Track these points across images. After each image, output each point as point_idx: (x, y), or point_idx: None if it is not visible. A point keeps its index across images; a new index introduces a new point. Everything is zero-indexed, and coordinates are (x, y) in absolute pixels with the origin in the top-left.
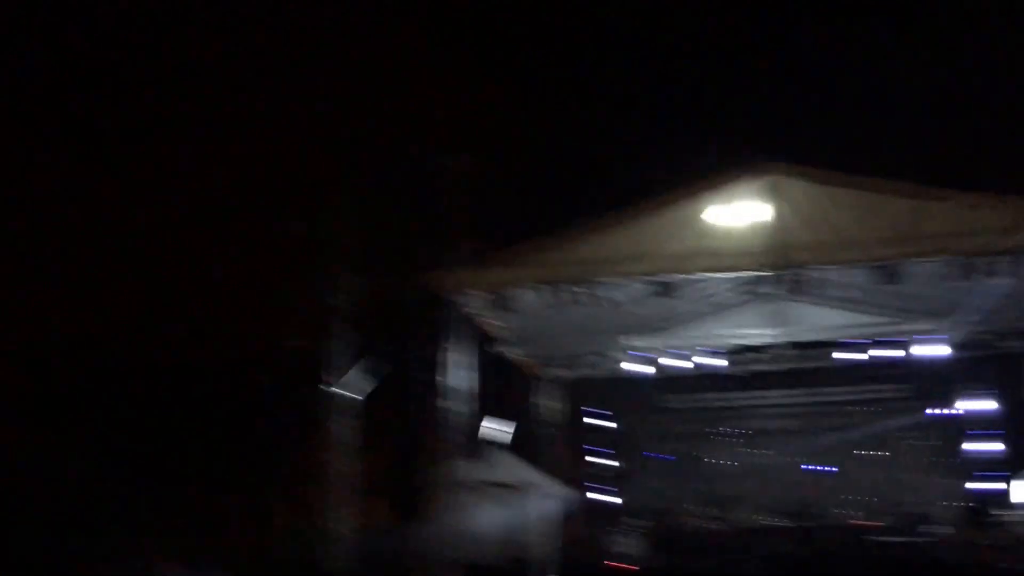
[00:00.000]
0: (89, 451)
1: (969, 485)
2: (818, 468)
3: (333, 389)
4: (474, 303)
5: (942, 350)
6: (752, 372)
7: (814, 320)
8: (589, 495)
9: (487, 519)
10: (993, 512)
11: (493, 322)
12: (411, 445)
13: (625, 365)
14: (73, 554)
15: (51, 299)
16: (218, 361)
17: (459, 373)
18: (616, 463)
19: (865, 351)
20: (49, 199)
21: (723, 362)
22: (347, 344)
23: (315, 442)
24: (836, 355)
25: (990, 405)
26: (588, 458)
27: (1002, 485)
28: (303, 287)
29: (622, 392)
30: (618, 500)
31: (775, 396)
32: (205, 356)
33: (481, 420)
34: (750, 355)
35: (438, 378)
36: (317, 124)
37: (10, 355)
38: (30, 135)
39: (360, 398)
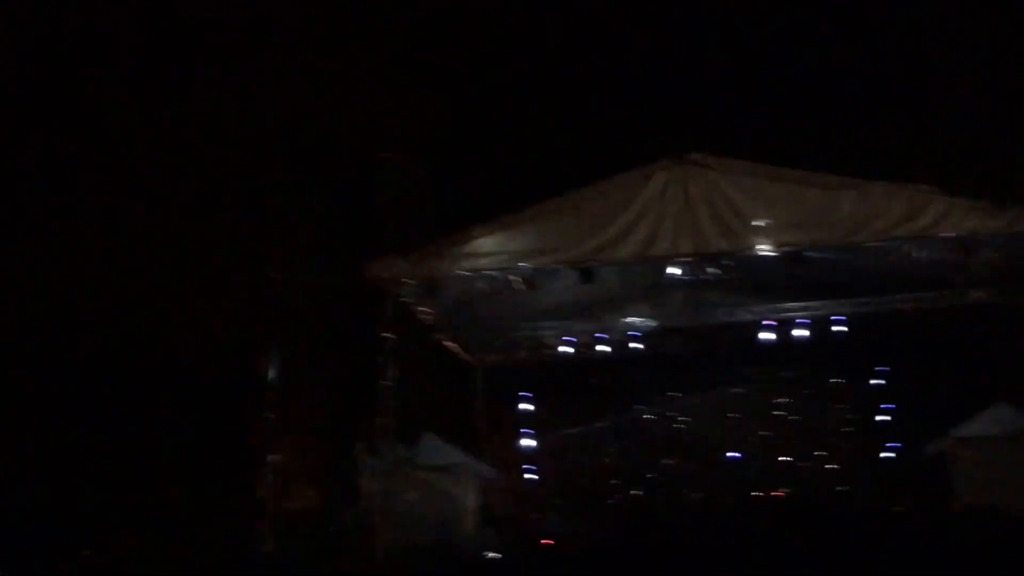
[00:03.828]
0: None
1: (880, 453)
2: (737, 443)
3: (270, 376)
4: (409, 292)
5: (845, 328)
6: (671, 354)
7: (726, 303)
8: (519, 476)
9: (420, 502)
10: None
11: (427, 310)
12: (346, 431)
13: (553, 350)
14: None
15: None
16: (153, 351)
17: (394, 360)
18: (544, 444)
19: (778, 331)
20: None
21: (644, 345)
22: (284, 332)
23: (252, 429)
24: (747, 336)
25: (890, 378)
26: (518, 440)
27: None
28: (243, 279)
29: (551, 376)
30: (547, 480)
31: (694, 377)
32: (139, 347)
33: (415, 406)
34: (670, 338)
35: (375, 365)
36: (256, 120)
37: None
38: None
39: (296, 384)
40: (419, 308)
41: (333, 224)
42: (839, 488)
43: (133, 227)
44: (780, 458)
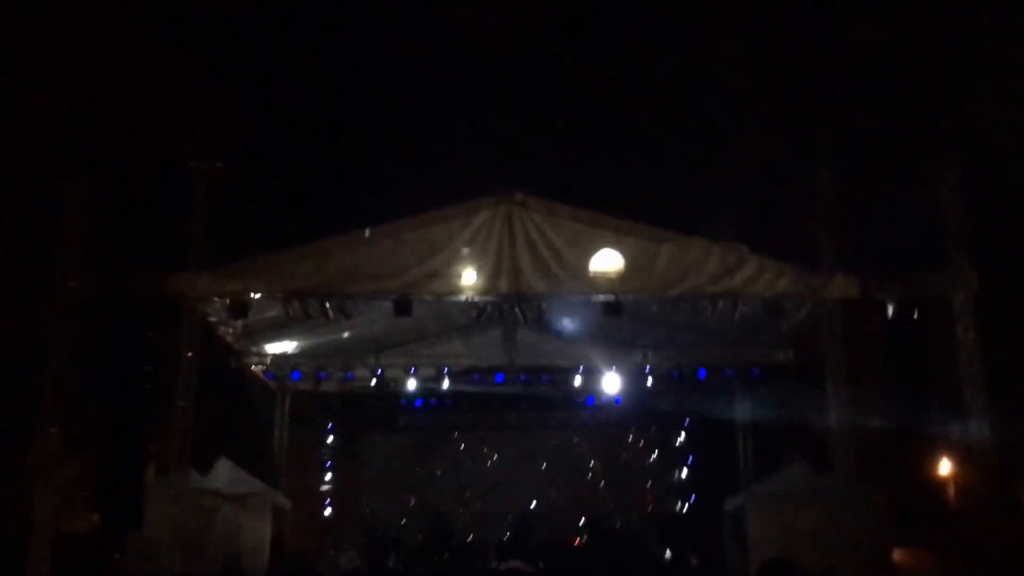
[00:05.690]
0: None
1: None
2: (539, 487)
3: (53, 389)
4: (214, 310)
5: (653, 380)
6: (481, 393)
7: (541, 347)
8: (313, 508)
9: (209, 531)
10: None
11: (232, 331)
12: (133, 452)
13: (361, 381)
14: None
15: None
16: None
17: (192, 380)
18: (342, 478)
19: (590, 378)
20: None
21: (455, 382)
22: (71, 345)
23: (31, 445)
24: (559, 381)
25: (694, 432)
26: (317, 471)
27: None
28: (30, 284)
29: (357, 408)
30: (342, 514)
31: (502, 417)
32: None
33: (212, 429)
34: (480, 377)
35: (174, 385)
36: (48, 121)
37: None
38: None
39: (82, 400)
40: (223, 328)
41: (130, 233)
42: (632, 537)
43: None
44: (582, 505)
